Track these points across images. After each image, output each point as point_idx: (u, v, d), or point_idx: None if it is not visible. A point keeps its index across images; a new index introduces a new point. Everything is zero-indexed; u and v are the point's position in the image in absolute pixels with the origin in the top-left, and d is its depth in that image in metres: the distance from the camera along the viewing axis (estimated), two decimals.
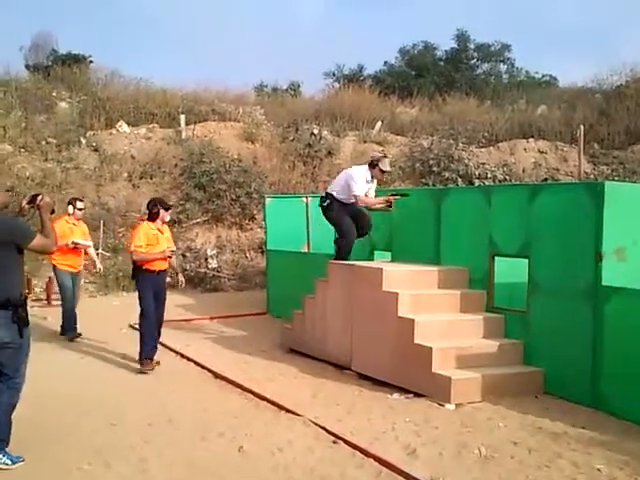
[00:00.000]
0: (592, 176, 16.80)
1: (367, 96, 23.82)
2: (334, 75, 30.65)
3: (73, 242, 9.41)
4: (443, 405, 6.32)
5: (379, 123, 21.42)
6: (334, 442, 5.38)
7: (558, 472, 4.82)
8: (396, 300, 7.08)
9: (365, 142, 20.11)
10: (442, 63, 29.69)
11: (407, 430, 5.68)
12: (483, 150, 19.41)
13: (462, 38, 29.69)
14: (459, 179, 17.49)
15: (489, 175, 17.53)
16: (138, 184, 16.74)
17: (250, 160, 17.63)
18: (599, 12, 53.04)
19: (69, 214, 9.59)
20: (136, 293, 7.88)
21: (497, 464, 4.95)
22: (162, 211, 7.88)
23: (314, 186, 17.89)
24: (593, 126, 19.20)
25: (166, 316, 8.21)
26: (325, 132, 19.58)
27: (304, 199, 12.66)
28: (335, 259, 8.46)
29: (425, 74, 28.55)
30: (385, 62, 30.74)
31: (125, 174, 16.94)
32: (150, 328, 7.71)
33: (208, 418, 5.99)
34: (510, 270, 7.54)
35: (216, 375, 7.44)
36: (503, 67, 30.73)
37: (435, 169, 17.84)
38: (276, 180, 17.66)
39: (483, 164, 18.14)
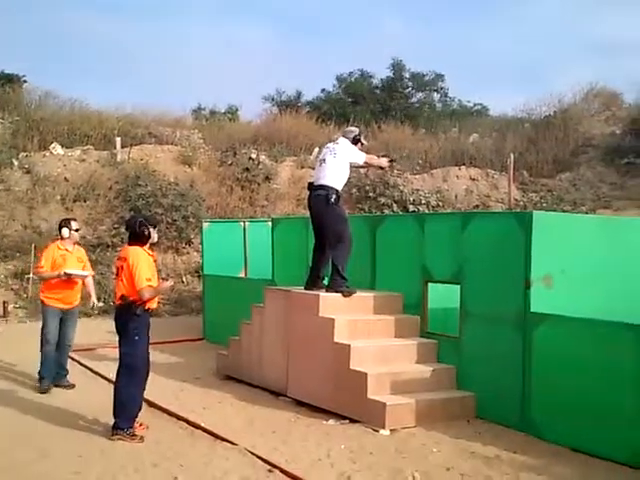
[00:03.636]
0: (521, 203, 17.35)
1: (305, 122, 24.04)
2: (273, 100, 30.86)
3: (65, 273, 7.84)
4: (378, 431, 6.37)
5: (317, 149, 21.60)
6: (270, 471, 5.35)
7: None
8: (332, 326, 7.13)
9: (303, 167, 20.25)
10: (378, 91, 30.25)
11: (342, 457, 5.70)
12: (417, 177, 19.81)
13: (397, 67, 30.35)
14: (394, 204, 17.80)
15: (423, 201, 17.90)
16: (71, 207, 16.37)
17: (187, 184, 17.50)
18: (528, 44, 55.19)
19: (62, 238, 8.05)
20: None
21: None
22: (152, 231, 6.35)
23: (252, 210, 17.90)
24: (522, 154, 19.85)
25: (97, 342, 7.97)
26: (263, 157, 19.63)
27: (242, 223, 12.65)
28: (341, 277, 7.50)
29: (361, 101, 29.03)
30: (322, 89, 31.17)
31: (58, 197, 16.57)
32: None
33: (141, 448, 5.87)
34: (446, 296, 7.70)
35: (149, 403, 7.29)
36: (437, 96, 31.56)
37: (371, 195, 18.12)
38: (213, 204, 17.59)
39: (417, 190, 18.52)
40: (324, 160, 7.68)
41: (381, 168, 8.71)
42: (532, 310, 6.49)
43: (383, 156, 8.23)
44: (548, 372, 6.30)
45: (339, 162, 7.56)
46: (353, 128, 8.14)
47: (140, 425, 6.27)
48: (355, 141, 7.76)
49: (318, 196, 7.53)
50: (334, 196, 7.40)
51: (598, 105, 22.44)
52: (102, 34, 53.16)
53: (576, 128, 20.88)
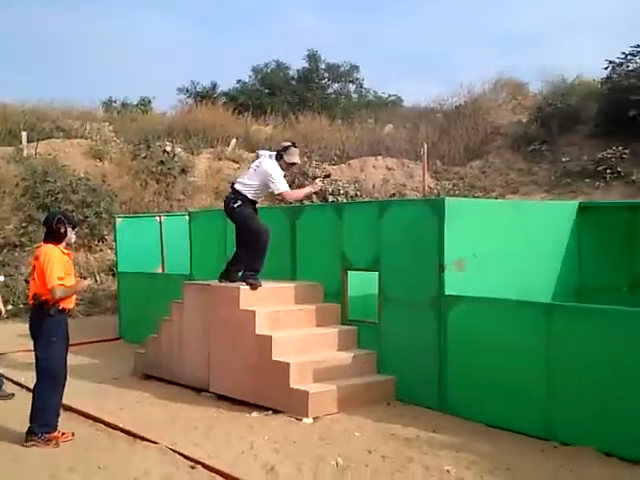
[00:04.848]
0: (435, 191, 17.73)
1: (221, 113, 23.82)
2: (188, 91, 30.41)
3: None
4: (301, 420, 6.40)
5: (234, 140, 21.46)
6: (192, 467, 5.29)
7: (410, 476, 5.03)
8: (253, 318, 7.11)
9: (220, 159, 20.07)
10: (294, 82, 30.29)
11: (266, 448, 5.70)
12: (335, 167, 19.95)
13: (313, 58, 30.46)
14: (313, 195, 17.85)
15: (342, 191, 18.04)
16: None
17: (99, 179, 17.02)
18: (439, 36, 56.44)
19: None
20: None
21: (353, 474, 5.09)
22: (69, 230, 6.11)
23: (168, 204, 17.56)
24: (435, 144, 20.29)
25: (6, 347, 7.64)
26: (179, 149, 19.32)
27: (157, 218, 12.41)
28: (251, 269, 7.46)
29: (278, 93, 29.01)
30: (238, 80, 30.93)
31: None
32: None
33: (56, 453, 5.66)
34: (366, 283, 7.79)
35: (64, 407, 7.04)
36: (352, 87, 31.87)
37: (290, 186, 18.12)
38: (127, 199, 17.16)
39: (336, 181, 18.66)
40: (249, 167, 7.84)
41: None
42: (446, 293, 6.66)
43: (314, 178, 7.85)
44: (463, 352, 6.49)
45: (256, 178, 7.48)
46: (285, 142, 7.76)
47: (63, 434, 5.95)
48: (278, 157, 7.48)
49: (226, 198, 7.75)
50: (238, 202, 7.46)
51: (505, 95, 23.18)
52: (3, 24, 50.95)
53: (485, 117, 21.50)
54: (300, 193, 8.06)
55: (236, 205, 7.48)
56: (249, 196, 7.47)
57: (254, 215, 7.60)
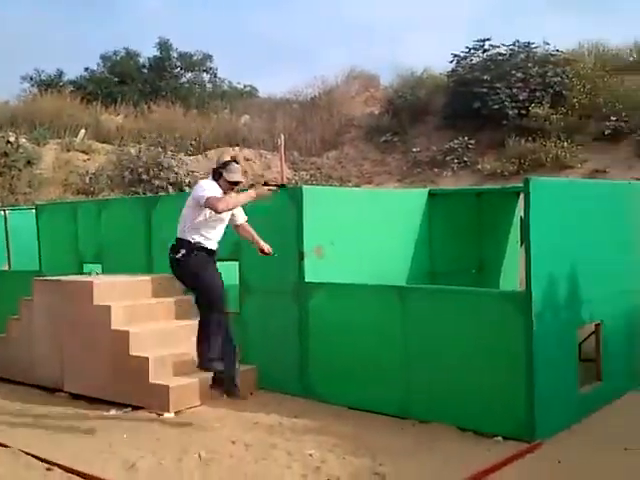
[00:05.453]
0: (293, 181, 17.93)
1: (69, 102, 22.74)
2: (32, 79, 28.74)
3: None
4: (162, 414, 6.27)
5: (83, 130, 20.58)
6: (48, 469, 5.06)
7: (274, 463, 5.06)
8: (108, 313, 6.86)
9: (69, 150, 19.18)
10: (146, 71, 29.45)
11: (126, 445, 5.53)
12: (192, 158, 19.66)
13: (164, 46, 29.75)
14: (170, 187, 17.51)
15: None
16: None
17: None
18: (297, 29, 56.92)
19: None
20: None
21: (217, 465, 5.06)
22: None
23: (13, 198, 16.55)
24: (292, 135, 20.51)
25: None
26: (23, 140, 18.24)
27: (1, 212, 11.66)
28: (204, 339, 5.83)
29: (129, 81, 28.10)
30: (87, 68, 29.65)
31: None
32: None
33: None
34: (229, 273, 7.72)
35: None
36: (206, 77, 31.46)
37: (145, 177, 17.62)
38: None
39: (193, 172, 18.37)
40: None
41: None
42: (306, 280, 6.76)
43: (265, 184, 6.01)
44: (324, 338, 6.62)
45: (191, 205, 5.82)
46: (224, 158, 5.95)
47: None
48: (217, 175, 5.82)
49: (169, 258, 5.91)
50: (181, 252, 5.75)
51: (358, 87, 23.83)
52: None
53: (339, 109, 22.01)
54: (234, 200, 5.76)
55: (179, 255, 5.75)
56: (190, 238, 5.74)
57: (204, 264, 5.77)
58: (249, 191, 5.89)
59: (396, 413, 6.04)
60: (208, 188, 5.68)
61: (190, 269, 5.79)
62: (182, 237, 5.79)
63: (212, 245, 5.87)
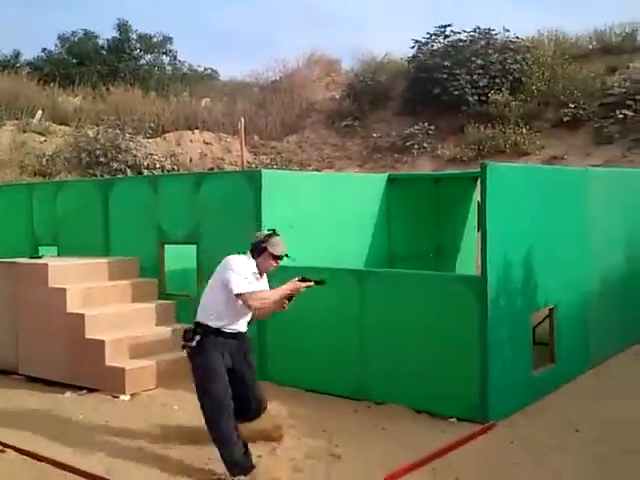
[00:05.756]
0: (254, 165, 17.87)
1: (25, 83, 22.20)
2: None
3: None
4: (118, 397, 6.26)
5: (40, 112, 20.12)
6: (2, 451, 5.03)
7: None
8: (64, 296, 6.79)
9: (25, 132, 18.74)
10: (104, 52, 28.90)
11: (81, 428, 5.52)
12: (151, 141, 19.40)
13: (123, 28, 29.22)
14: (128, 170, 17.27)
15: (158, 165, 17.61)
16: None
17: None
18: (257, 13, 56.32)
19: None
20: None
21: (173, 448, 5.06)
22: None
23: None
24: (252, 118, 20.39)
25: None
26: None
27: None
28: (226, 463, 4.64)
29: (87, 63, 27.53)
30: (44, 49, 28.97)
31: None
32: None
33: None
34: (186, 256, 7.69)
35: None
36: (166, 59, 30.98)
37: (102, 160, 17.35)
38: None
39: (151, 155, 18.15)
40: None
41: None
42: None
43: (302, 280, 5.03)
44: (282, 322, 6.58)
45: (216, 293, 4.94)
46: (264, 231, 5.19)
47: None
48: (258, 251, 5.00)
49: (181, 346, 4.96)
50: (196, 338, 4.81)
51: (319, 71, 23.78)
52: None
53: (300, 93, 21.94)
54: (270, 295, 4.96)
55: (193, 343, 4.82)
56: (212, 323, 4.83)
57: (214, 363, 4.77)
58: (287, 285, 4.97)
59: (353, 395, 6.12)
60: (240, 272, 4.83)
61: (201, 363, 4.80)
62: (202, 322, 4.88)
63: (241, 328, 5.06)
